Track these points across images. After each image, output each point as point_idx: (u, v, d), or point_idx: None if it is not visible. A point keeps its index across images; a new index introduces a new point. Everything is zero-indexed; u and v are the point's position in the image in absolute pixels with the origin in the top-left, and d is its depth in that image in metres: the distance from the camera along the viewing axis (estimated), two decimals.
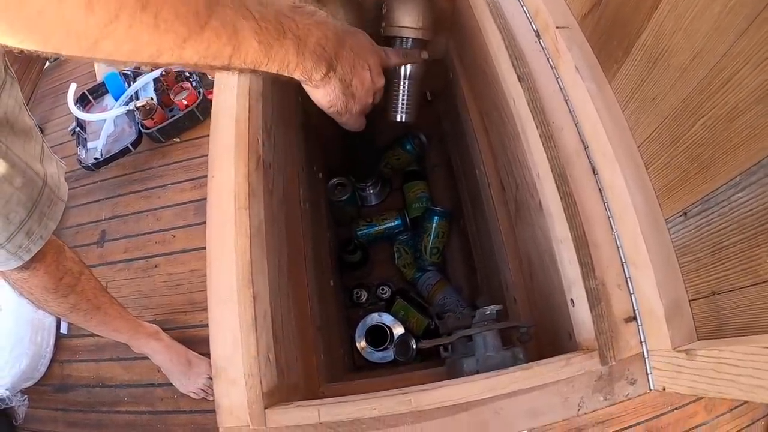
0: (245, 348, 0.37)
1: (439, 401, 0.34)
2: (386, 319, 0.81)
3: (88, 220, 1.11)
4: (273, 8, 0.31)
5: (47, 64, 1.42)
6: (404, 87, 0.58)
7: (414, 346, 0.77)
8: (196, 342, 0.90)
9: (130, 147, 1.08)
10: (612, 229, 0.39)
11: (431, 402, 0.34)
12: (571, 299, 0.38)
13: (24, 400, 0.94)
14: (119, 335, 0.80)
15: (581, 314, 0.37)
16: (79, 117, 1.15)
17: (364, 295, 0.87)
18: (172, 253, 1.01)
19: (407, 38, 0.55)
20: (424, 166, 0.99)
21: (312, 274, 0.60)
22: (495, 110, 0.51)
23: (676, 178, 0.36)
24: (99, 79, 1.23)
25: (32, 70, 1.39)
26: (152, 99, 1.09)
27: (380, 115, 0.63)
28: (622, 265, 0.38)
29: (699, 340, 0.35)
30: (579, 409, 0.35)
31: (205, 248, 0.41)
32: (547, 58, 0.45)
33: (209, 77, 1.05)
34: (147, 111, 1.07)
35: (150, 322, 0.88)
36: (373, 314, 0.82)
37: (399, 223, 0.90)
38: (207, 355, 0.86)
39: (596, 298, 0.36)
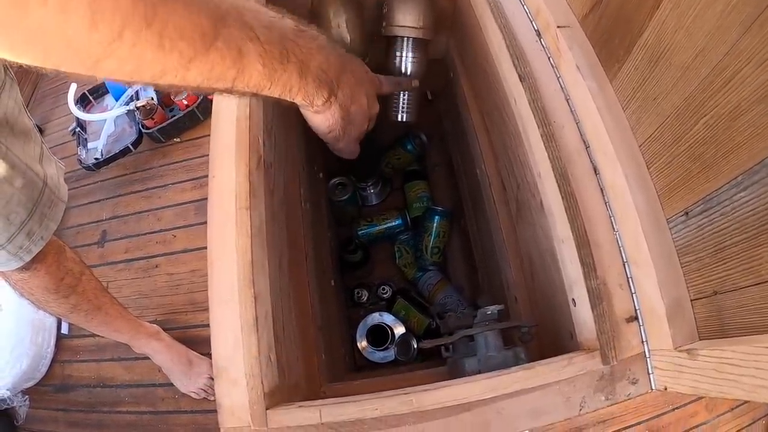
0: (246, 348, 0.37)
1: (441, 401, 0.34)
2: (387, 318, 0.81)
3: (88, 220, 1.11)
4: (278, 31, 0.31)
5: None
6: None
7: (415, 346, 0.77)
8: (197, 342, 0.90)
9: (131, 147, 1.08)
10: (613, 228, 0.39)
11: (433, 402, 0.34)
12: (573, 299, 0.38)
13: (25, 401, 0.94)
14: (120, 335, 0.80)
15: (583, 314, 0.36)
16: (79, 117, 1.15)
17: (365, 295, 0.87)
18: (172, 253, 1.01)
19: (408, 37, 0.55)
20: (425, 165, 0.99)
21: (313, 274, 0.60)
22: (496, 109, 0.51)
23: (678, 177, 0.36)
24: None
25: (32, 71, 1.38)
26: (153, 99, 1.09)
27: (381, 115, 0.63)
28: (624, 264, 0.38)
29: (701, 339, 0.35)
30: (581, 409, 0.35)
31: (205, 248, 0.41)
32: (548, 58, 0.45)
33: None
34: (147, 111, 1.07)
35: (151, 322, 0.88)
36: (374, 314, 0.82)
37: (400, 223, 0.90)
38: (208, 355, 0.86)
39: (598, 297, 0.36)
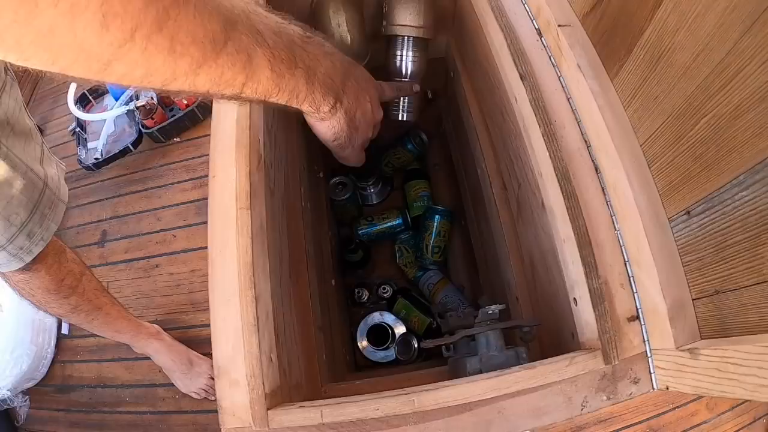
0: (247, 348, 0.37)
1: (442, 401, 0.33)
2: (388, 318, 0.81)
3: (88, 221, 1.11)
4: (286, 37, 0.31)
5: None
6: None
7: (416, 346, 0.77)
8: (198, 342, 0.90)
9: (131, 147, 1.08)
10: (615, 228, 0.39)
11: (434, 402, 0.33)
12: (574, 298, 0.38)
13: (25, 401, 0.94)
14: (121, 336, 0.80)
15: (584, 313, 0.36)
16: (79, 117, 1.15)
17: (365, 295, 0.87)
18: (173, 253, 1.01)
19: (408, 37, 0.55)
20: (425, 164, 0.99)
21: (313, 274, 0.60)
22: (496, 109, 0.51)
23: (680, 176, 0.36)
24: None
25: (32, 71, 1.38)
26: (152, 99, 1.09)
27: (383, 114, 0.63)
28: (625, 264, 0.38)
29: (702, 339, 0.35)
30: (582, 409, 0.35)
31: (206, 248, 0.41)
32: (549, 57, 0.45)
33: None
34: (147, 111, 1.07)
35: (151, 322, 0.88)
36: (374, 313, 0.82)
37: (400, 222, 0.90)
38: (208, 355, 0.86)
39: (599, 297, 0.36)
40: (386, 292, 0.87)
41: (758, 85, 0.28)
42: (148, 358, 0.86)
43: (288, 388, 0.41)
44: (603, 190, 0.40)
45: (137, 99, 1.10)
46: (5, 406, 0.91)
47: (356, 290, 0.87)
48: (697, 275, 0.36)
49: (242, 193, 0.41)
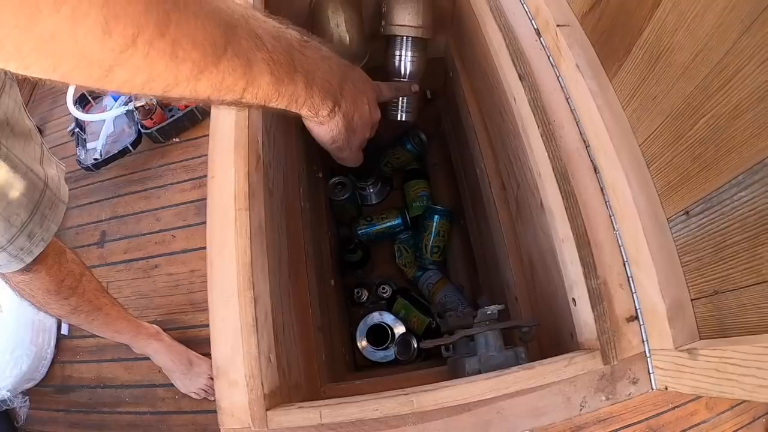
0: (246, 349, 0.37)
1: (441, 402, 0.33)
2: (387, 318, 0.81)
3: (88, 221, 1.11)
4: (285, 42, 0.31)
5: None
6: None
7: (415, 346, 0.77)
8: (197, 342, 0.90)
9: (130, 147, 1.08)
10: (614, 228, 0.39)
11: (433, 403, 0.33)
12: (573, 298, 0.38)
13: (25, 402, 0.94)
14: (120, 336, 0.80)
15: (583, 314, 0.36)
16: (78, 118, 1.15)
17: (364, 295, 0.87)
18: (172, 254, 1.01)
19: (407, 37, 0.54)
20: (425, 164, 0.99)
21: (313, 274, 0.60)
22: (495, 109, 0.51)
23: (678, 176, 0.36)
24: None
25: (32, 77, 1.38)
26: (151, 99, 1.09)
27: (381, 114, 0.63)
28: (624, 264, 0.38)
29: (701, 339, 0.35)
30: (581, 409, 0.35)
31: (205, 248, 0.41)
32: (548, 57, 0.45)
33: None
34: (146, 111, 1.07)
35: (151, 322, 0.88)
36: (374, 313, 0.82)
37: (399, 222, 0.90)
38: (208, 355, 0.86)
39: (598, 297, 0.36)
40: (385, 292, 0.87)
41: (757, 85, 0.28)
42: (148, 359, 0.86)
43: (287, 388, 0.41)
44: (602, 190, 0.40)
45: (136, 99, 1.10)
46: (5, 407, 0.91)
47: (355, 290, 0.87)
48: (696, 275, 0.36)
49: (241, 194, 0.41)
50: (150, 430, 0.89)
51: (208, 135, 0.45)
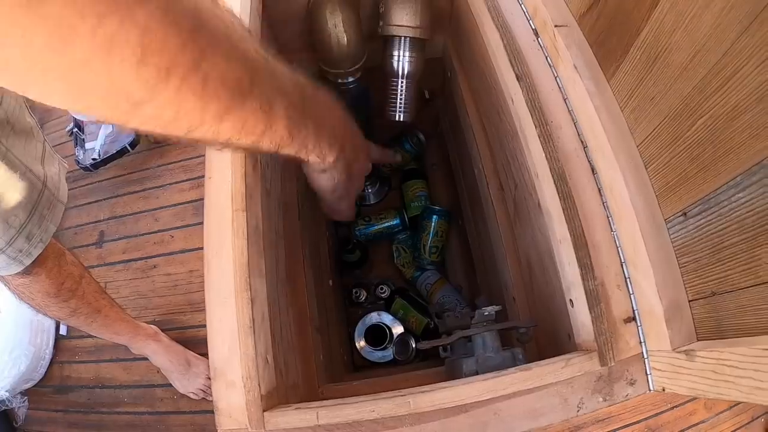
0: (243, 350, 0.37)
1: (438, 403, 0.33)
2: (385, 318, 0.81)
3: (86, 221, 1.11)
4: (300, 87, 0.31)
5: None
6: (402, 86, 0.58)
7: (413, 346, 0.77)
8: (195, 342, 0.90)
9: (128, 147, 1.07)
10: (611, 229, 0.38)
11: (430, 404, 0.33)
12: (570, 300, 0.38)
13: (24, 402, 0.94)
14: (119, 337, 0.80)
15: (580, 315, 0.36)
16: (76, 117, 1.15)
17: (363, 295, 0.87)
18: (170, 254, 1.01)
19: (405, 37, 0.54)
20: (423, 164, 0.99)
21: (311, 274, 0.59)
22: (493, 109, 0.50)
23: (676, 177, 0.36)
24: None
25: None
26: None
27: (379, 114, 0.63)
28: (622, 265, 0.37)
29: (699, 340, 0.35)
30: (578, 410, 0.35)
31: (203, 248, 0.41)
32: (546, 57, 0.45)
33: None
34: None
35: (149, 322, 0.87)
36: (372, 313, 0.82)
37: (398, 222, 0.90)
38: (206, 355, 0.86)
39: (595, 298, 0.36)
40: (384, 293, 0.87)
41: (755, 86, 0.28)
42: (146, 359, 0.86)
43: (285, 389, 0.41)
44: (599, 190, 0.40)
45: None
46: (4, 407, 0.91)
47: (354, 290, 0.87)
48: (693, 277, 0.36)
49: (238, 195, 0.41)
50: (148, 430, 0.89)
51: None
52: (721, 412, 0.80)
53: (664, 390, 0.35)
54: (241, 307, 0.38)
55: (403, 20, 0.52)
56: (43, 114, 1.32)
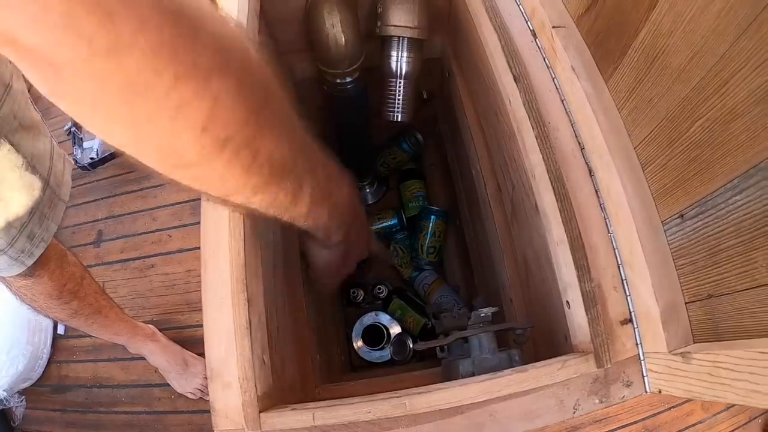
0: (239, 351, 0.37)
1: (433, 404, 0.33)
2: (383, 318, 0.81)
3: (84, 220, 1.10)
4: (326, 168, 0.32)
5: None
6: (400, 86, 0.57)
7: (411, 346, 0.77)
8: (193, 342, 0.90)
9: None
10: (608, 231, 0.38)
11: (426, 405, 0.33)
12: (567, 301, 0.38)
13: (21, 401, 0.94)
14: (118, 338, 0.79)
15: (577, 316, 0.36)
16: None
17: (360, 295, 0.87)
18: (168, 253, 1.01)
19: (403, 37, 0.54)
20: (421, 164, 0.99)
21: (308, 274, 0.59)
22: (491, 110, 0.50)
23: (673, 180, 0.36)
24: None
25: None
26: None
27: (377, 114, 0.62)
28: (618, 267, 0.37)
29: (696, 342, 0.35)
30: (574, 412, 0.35)
31: (200, 249, 0.41)
32: (544, 58, 0.45)
33: None
34: None
35: (146, 322, 0.87)
36: (369, 314, 0.82)
37: (396, 223, 0.90)
38: (204, 355, 0.86)
39: (592, 300, 0.36)
40: (381, 293, 0.87)
41: (753, 89, 0.28)
42: (144, 358, 0.86)
43: (281, 389, 0.41)
44: (596, 192, 0.40)
45: None
46: (1, 407, 0.91)
47: (351, 290, 0.87)
48: (690, 279, 0.36)
49: None
50: (146, 429, 0.88)
51: None
52: (719, 413, 0.80)
53: (660, 392, 0.35)
54: (237, 309, 0.38)
55: (401, 20, 0.52)
56: (41, 113, 1.31)
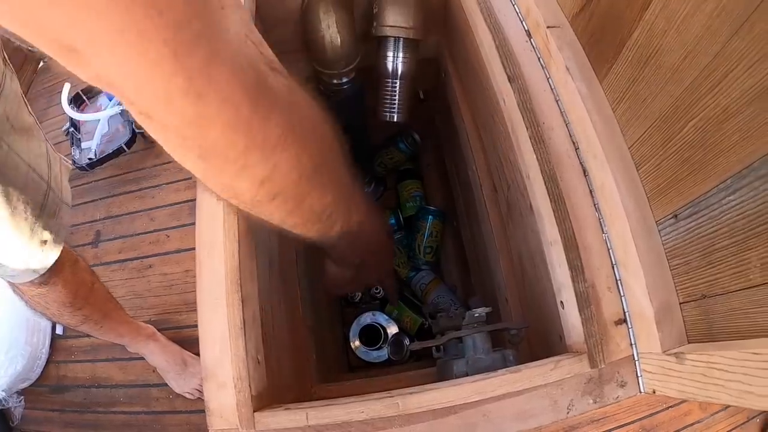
0: (234, 351, 0.37)
1: (426, 404, 0.33)
2: (380, 318, 0.81)
3: (82, 221, 1.10)
4: (359, 209, 0.34)
5: (41, 63, 1.41)
6: (396, 86, 0.57)
7: (408, 346, 0.77)
8: (191, 342, 0.90)
9: (124, 147, 1.07)
10: (602, 231, 0.38)
11: (419, 405, 0.33)
12: (561, 301, 0.38)
13: (20, 401, 0.94)
14: (121, 339, 0.79)
15: (571, 317, 0.36)
16: (73, 117, 1.15)
17: (358, 295, 0.87)
18: (166, 253, 1.01)
19: (398, 38, 0.54)
20: (418, 164, 0.99)
21: (304, 274, 0.59)
22: (486, 110, 0.50)
23: (667, 180, 0.36)
24: None
25: (26, 70, 1.37)
26: None
27: (373, 115, 0.62)
28: (613, 267, 0.37)
29: (690, 343, 0.35)
30: (568, 412, 0.35)
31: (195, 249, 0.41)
32: (538, 58, 0.44)
33: None
34: None
35: (145, 322, 0.87)
36: (367, 313, 0.82)
37: (393, 223, 0.89)
38: None
39: (586, 300, 0.36)
40: (378, 293, 0.87)
41: (746, 89, 0.28)
42: (142, 359, 0.86)
43: (276, 389, 0.41)
44: (591, 192, 0.39)
45: None
46: (0, 407, 0.91)
47: None
48: (684, 279, 0.36)
49: None
50: (144, 429, 0.89)
51: None
52: (717, 413, 0.80)
53: (654, 392, 0.35)
54: (231, 309, 0.38)
55: (397, 21, 0.52)
56: (39, 113, 1.31)
